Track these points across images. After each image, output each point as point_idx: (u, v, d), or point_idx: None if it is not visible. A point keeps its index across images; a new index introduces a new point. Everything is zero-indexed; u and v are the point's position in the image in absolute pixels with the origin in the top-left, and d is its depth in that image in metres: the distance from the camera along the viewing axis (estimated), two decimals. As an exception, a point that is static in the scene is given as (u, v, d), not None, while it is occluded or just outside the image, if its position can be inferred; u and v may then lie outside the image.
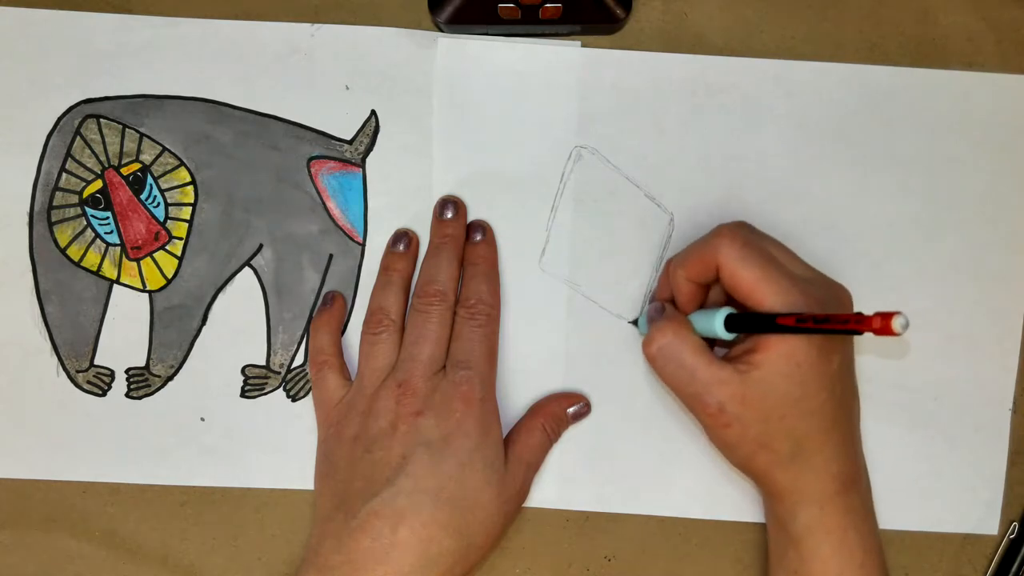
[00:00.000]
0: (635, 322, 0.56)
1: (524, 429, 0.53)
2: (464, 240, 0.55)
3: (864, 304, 0.55)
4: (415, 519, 0.48)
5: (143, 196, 0.55)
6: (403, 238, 0.55)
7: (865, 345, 0.55)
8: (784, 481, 0.49)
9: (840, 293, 0.49)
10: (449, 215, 0.54)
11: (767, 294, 0.46)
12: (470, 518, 0.49)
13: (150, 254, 0.55)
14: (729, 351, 0.49)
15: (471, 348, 0.52)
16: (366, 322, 0.54)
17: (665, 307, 0.51)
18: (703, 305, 0.52)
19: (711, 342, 0.50)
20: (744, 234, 0.48)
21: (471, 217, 0.55)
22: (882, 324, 0.39)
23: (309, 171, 0.55)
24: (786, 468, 0.48)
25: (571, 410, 0.55)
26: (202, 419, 0.55)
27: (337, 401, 0.53)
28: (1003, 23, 0.55)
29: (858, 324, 0.41)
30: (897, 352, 0.55)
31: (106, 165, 0.55)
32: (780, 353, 0.46)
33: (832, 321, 0.42)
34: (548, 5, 0.52)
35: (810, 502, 0.49)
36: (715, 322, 0.48)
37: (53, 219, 0.55)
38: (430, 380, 0.51)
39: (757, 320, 0.47)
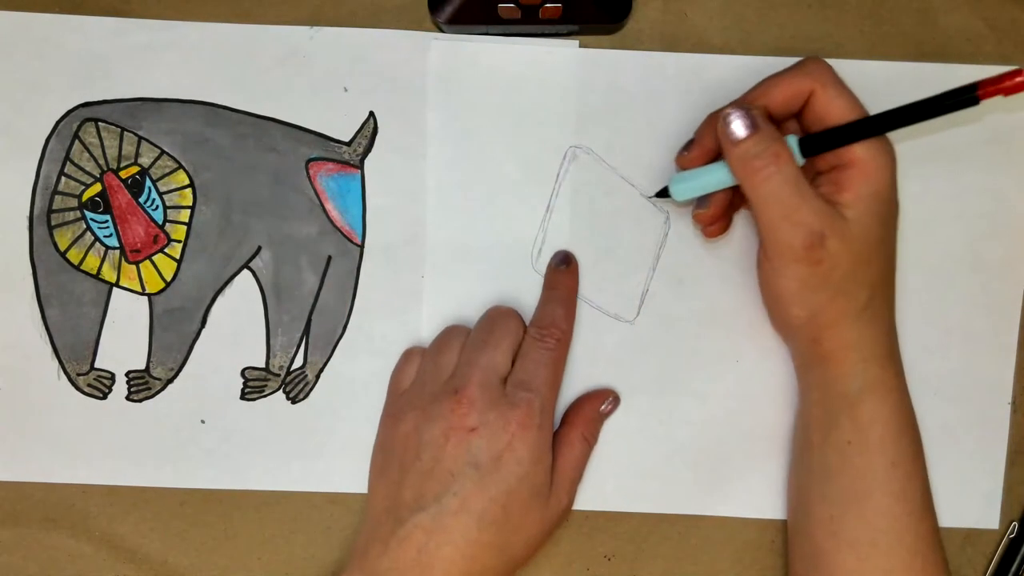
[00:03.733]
0: (662, 194, 0.54)
1: (565, 443, 0.52)
2: (576, 291, 0.55)
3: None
4: (460, 538, 0.48)
5: (142, 199, 0.55)
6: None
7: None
8: (850, 335, 0.48)
9: None
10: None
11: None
12: (513, 538, 0.49)
13: (149, 257, 0.55)
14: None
15: (536, 371, 0.50)
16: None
17: (756, 115, 0.47)
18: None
19: None
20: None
21: (465, 216, 0.55)
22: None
23: (307, 173, 0.55)
24: (855, 319, 0.48)
25: (602, 408, 0.55)
26: (202, 421, 0.56)
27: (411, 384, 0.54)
28: (1003, 23, 0.55)
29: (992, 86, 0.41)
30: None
31: (105, 168, 0.55)
32: (868, 191, 0.46)
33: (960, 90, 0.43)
34: (548, 5, 0.52)
35: (872, 359, 0.49)
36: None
37: (53, 223, 0.55)
38: (487, 392, 0.50)
39: (840, 133, 0.47)
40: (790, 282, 0.49)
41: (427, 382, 0.52)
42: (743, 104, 0.48)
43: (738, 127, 0.47)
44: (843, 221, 0.46)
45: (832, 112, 0.47)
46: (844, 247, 0.46)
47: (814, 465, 0.51)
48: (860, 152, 0.47)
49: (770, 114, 0.49)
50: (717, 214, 0.51)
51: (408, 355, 0.55)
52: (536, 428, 0.49)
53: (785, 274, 0.49)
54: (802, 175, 0.47)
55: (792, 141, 0.47)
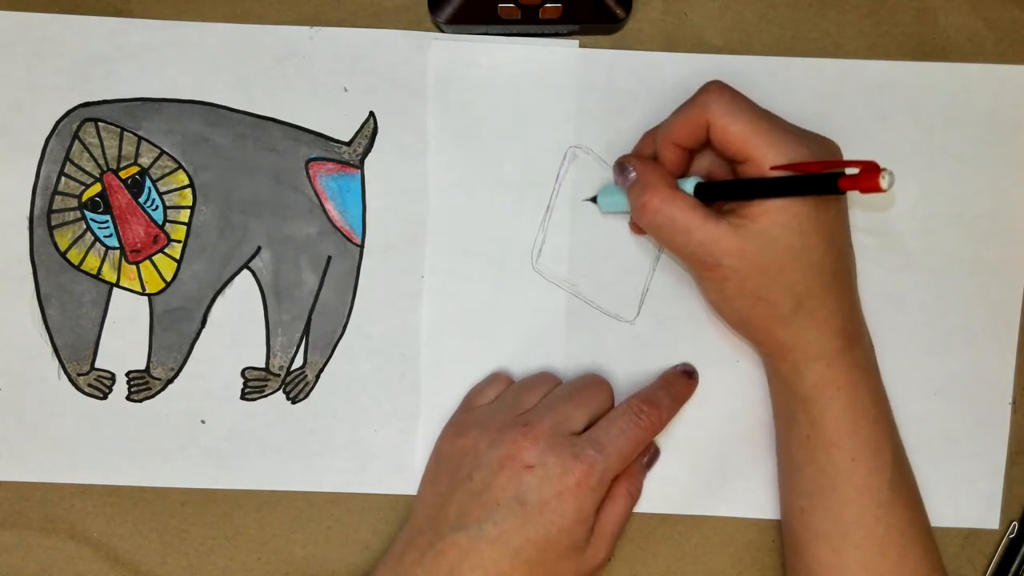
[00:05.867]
0: (593, 200, 0.55)
1: (608, 497, 0.51)
2: (686, 401, 0.55)
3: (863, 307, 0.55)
4: (491, 567, 0.48)
5: (142, 199, 0.55)
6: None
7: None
8: (786, 337, 0.48)
9: (831, 146, 0.48)
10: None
11: (758, 146, 0.46)
12: None
13: (149, 257, 0.55)
14: (726, 203, 0.49)
15: (616, 437, 0.50)
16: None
17: (634, 166, 0.49)
18: (686, 173, 0.51)
19: None
20: (732, 89, 0.48)
21: (465, 216, 0.55)
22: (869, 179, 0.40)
23: (307, 173, 0.55)
24: (787, 323, 0.48)
25: (644, 461, 0.55)
26: (202, 421, 0.56)
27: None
28: (1003, 23, 0.55)
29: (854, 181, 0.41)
30: (897, 346, 0.55)
31: (104, 168, 0.55)
32: (779, 205, 0.45)
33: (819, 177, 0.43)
34: (548, 5, 0.52)
35: (815, 359, 0.48)
36: (685, 189, 0.48)
37: (53, 223, 0.55)
38: (554, 437, 0.49)
39: (732, 187, 0.47)
40: (710, 293, 0.50)
41: (502, 409, 0.52)
42: (647, 142, 0.52)
43: (623, 174, 0.50)
44: (737, 240, 0.46)
45: (731, 141, 0.47)
46: (745, 263, 0.46)
47: (784, 456, 0.52)
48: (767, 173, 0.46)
49: (683, 146, 0.49)
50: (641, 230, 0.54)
51: (494, 378, 0.55)
52: (590, 490, 0.49)
53: (703, 286, 0.50)
54: (690, 206, 0.47)
55: (689, 184, 0.48)
